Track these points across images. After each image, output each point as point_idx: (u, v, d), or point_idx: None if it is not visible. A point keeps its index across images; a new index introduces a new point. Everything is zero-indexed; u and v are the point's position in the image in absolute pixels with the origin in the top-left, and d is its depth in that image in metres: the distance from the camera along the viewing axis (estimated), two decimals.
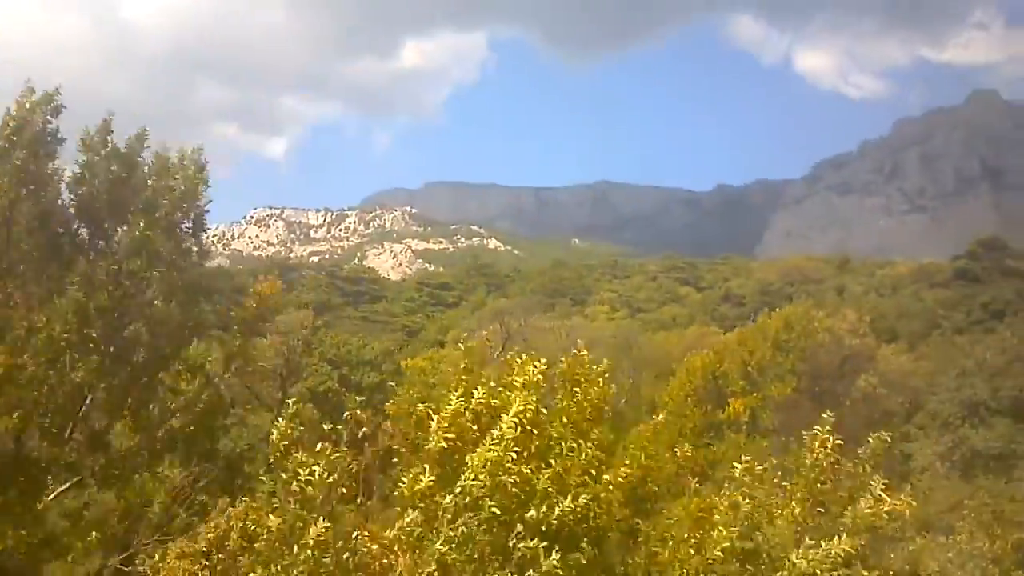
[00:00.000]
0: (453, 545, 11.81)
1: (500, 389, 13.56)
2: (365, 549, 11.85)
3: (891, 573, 14.07)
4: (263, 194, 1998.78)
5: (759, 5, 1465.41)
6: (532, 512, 12.22)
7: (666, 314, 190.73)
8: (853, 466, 13.32)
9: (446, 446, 12.55)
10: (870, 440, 13.63)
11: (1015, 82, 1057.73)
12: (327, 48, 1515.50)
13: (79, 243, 23.30)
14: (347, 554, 11.63)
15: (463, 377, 13.80)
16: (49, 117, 22.69)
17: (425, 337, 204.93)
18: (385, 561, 11.92)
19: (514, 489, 12.16)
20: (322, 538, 11.38)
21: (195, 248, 25.72)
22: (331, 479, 12.22)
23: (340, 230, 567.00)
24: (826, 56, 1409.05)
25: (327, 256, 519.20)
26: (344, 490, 12.82)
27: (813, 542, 11.97)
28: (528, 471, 12.40)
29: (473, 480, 11.91)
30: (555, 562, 11.56)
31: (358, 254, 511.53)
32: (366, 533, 12.09)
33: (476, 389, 13.29)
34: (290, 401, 14.45)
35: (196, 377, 25.50)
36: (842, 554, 11.82)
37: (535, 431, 13.01)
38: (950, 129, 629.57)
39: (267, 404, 69.31)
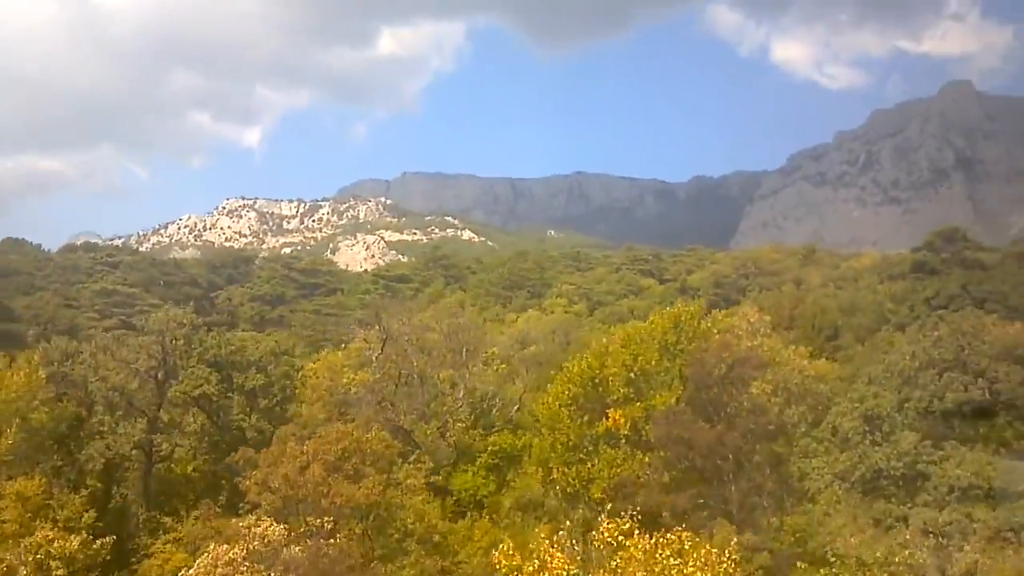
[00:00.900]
0: None
1: None
2: None
3: None
4: (238, 184, 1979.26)
5: None
6: None
7: (624, 307, 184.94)
8: None
9: None
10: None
11: (990, 73, 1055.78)
12: (302, 36, 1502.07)
13: None
14: None
15: None
16: None
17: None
18: None
19: None
20: None
21: None
22: None
23: (313, 221, 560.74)
24: (802, 47, 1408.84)
25: (299, 247, 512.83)
26: None
27: None
28: None
29: None
30: None
31: (330, 245, 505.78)
32: None
33: None
34: None
35: None
36: None
37: None
38: (924, 120, 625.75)
39: (142, 409, 63.51)
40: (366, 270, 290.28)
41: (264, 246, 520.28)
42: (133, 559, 49.74)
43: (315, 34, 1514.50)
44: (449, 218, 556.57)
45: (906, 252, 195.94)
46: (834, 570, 37.30)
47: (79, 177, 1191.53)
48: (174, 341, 64.22)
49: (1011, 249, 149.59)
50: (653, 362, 44.01)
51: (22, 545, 39.16)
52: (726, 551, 22.65)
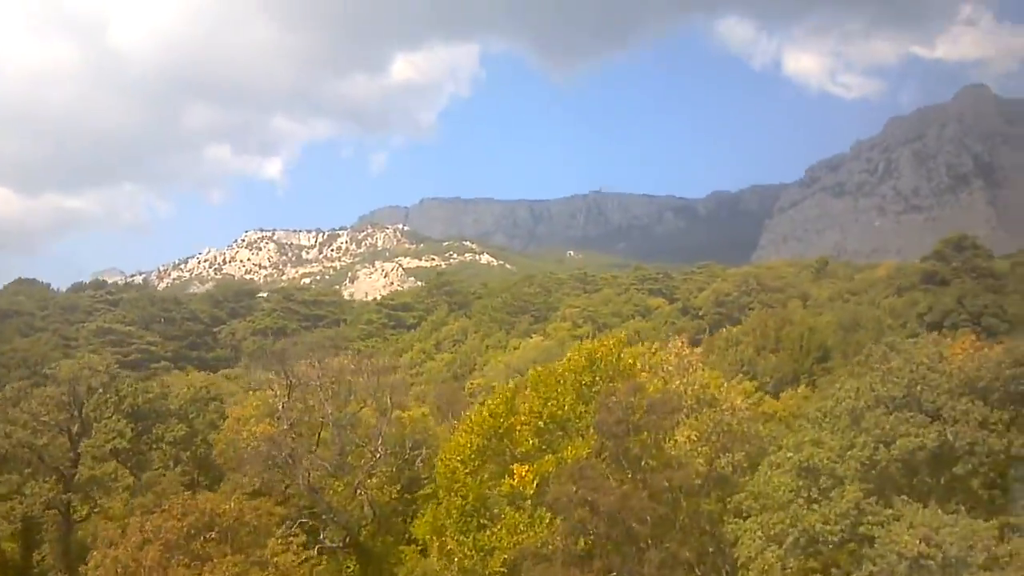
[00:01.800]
0: None
1: None
2: None
3: None
4: (260, 216, 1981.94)
5: (745, 7, 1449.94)
6: None
7: (630, 328, 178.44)
8: None
9: None
10: None
11: (1007, 77, 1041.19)
12: (316, 65, 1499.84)
13: None
14: None
15: None
16: None
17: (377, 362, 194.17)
18: None
19: None
20: None
21: None
22: None
23: (332, 250, 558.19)
24: (815, 57, 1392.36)
25: (318, 277, 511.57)
26: None
27: None
28: None
29: None
30: None
31: (349, 274, 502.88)
32: None
33: None
34: None
35: None
36: None
37: None
38: (941, 126, 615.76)
39: (53, 465, 57.98)
40: (373, 299, 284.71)
41: (284, 277, 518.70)
42: None
43: (329, 62, 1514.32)
44: (467, 243, 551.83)
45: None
46: None
47: (103, 215, 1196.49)
48: (89, 391, 59.18)
49: (1020, 257, 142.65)
50: (566, 407, 38.00)
51: None
52: None
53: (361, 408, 53.17)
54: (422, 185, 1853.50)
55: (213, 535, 33.29)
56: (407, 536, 46.63)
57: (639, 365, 41.43)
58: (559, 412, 38.07)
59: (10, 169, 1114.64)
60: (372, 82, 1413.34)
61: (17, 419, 56.86)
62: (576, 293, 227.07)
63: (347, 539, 46.99)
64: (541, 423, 38.03)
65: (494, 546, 35.51)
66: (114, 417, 57.56)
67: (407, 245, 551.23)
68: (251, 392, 71.60)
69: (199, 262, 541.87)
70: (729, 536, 34.75)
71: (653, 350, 44.42)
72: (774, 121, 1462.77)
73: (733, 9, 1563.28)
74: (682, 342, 45.81)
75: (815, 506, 31.88)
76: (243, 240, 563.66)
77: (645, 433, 34.40)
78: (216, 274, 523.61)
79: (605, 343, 40.56)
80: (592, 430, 36.45)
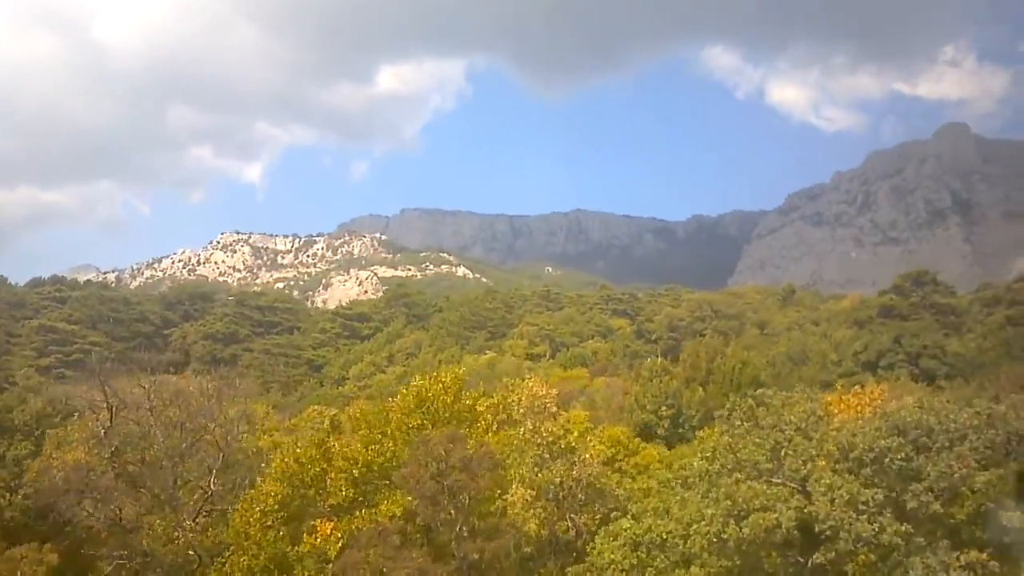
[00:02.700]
0: None
1: None
2: None
3: None
4: (239, 219, 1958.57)
5: (731, 38, 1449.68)
6: None
7: (588, 349, 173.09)
8: None
9: None
10: None
11: (986, 117, 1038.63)
12: (302, 72, 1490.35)
13: None
14: None
15: None
16: None
17: (328, 373, 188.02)
18: None
19: None
20: None
21: None
22: None
23: (308, 256, 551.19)
24: (799, 89, 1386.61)
25: (293, 282, 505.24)
26: None
27: None
28: None
29: None
30: None
31: (323, 280, 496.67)
32: None
33: None
34: None
35: None
36: None
37: None
38: (921, 161, 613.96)
39: None
40: (330, 308, 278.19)
41: (258, 281, 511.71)
42: None
43: (315, 70, 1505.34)
44: (444, 254, 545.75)
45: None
46: None
47: (81, 210, 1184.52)
48: None
49: (979, 294, 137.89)
50: (389, 453, 32.25)
51: None
52: None
53: (200, 437, 46.83)
54: (403, 195, 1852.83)
55: None
56: None
57: (484, 408, 35.62)
58: (380, 459, 32.28)
59: None
60: (357, 91, 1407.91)
61: None
62: (539, 311, 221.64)
63: None
64: (356, 471, 32.21)
65: None
66: None
67: (384, 254, 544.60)
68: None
69: (173, 262, 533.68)
70: None
71: (514, 389, 38.48)
72: (756, 149, 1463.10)
73: (719, 39, 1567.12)
74: (540, 381, 39.90)
75: None
76: (218, 242, 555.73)
77: (464, 494, 28.65)
78: (190, 275, 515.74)
79: (441, 380, 34.67)
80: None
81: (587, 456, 33.39)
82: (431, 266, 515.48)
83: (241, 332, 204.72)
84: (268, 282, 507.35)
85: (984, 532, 26.46)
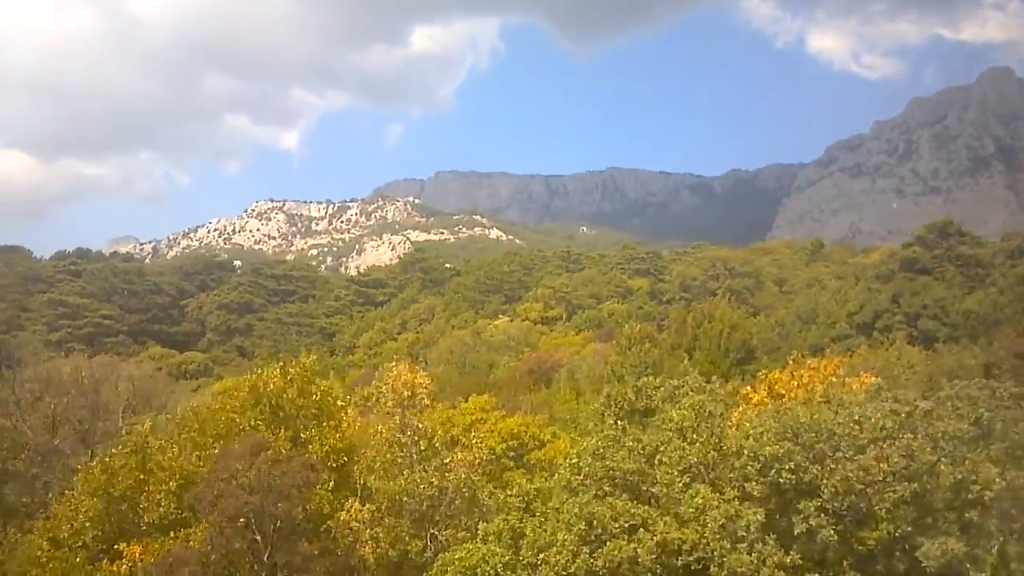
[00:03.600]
0: None
1: None
2: None
3: None
4: (275, 187, 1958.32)
5: None
6: None
7: (605, 311, 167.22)
8: None
9: None
10: None
11: None
12: (335, 36, 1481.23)
13: None
14: None
15: None
16: None
17: (340, 341, 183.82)
18: None
19: None
20: None
21: None
22: None
23: (341, 222, 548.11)
24: (839, 38, 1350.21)
25: (327, 248, 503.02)
26: None
27: None
28: None
29: None
30: None
31: (356, 246, 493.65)
32: None
33: None
34: None
35: None
36: None
37: None
38: (963, 108, 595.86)
39: None
40: (352, 275, 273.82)
41: (292, 248, 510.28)
42: None
43: (348, 33, 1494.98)
44: (477, 217, 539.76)
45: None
46: None
47: (122, 182, 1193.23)
48: None
49: (1003, 244, 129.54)
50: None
51: None
52: None
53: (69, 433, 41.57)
54: (438, 158, 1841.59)
55: None
56: None
57: (345, 399, 29.97)
58: (203, 469, 26.85)
59: (29, 135, 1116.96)
60: (390, 53, 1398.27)
61: None
62: (559, 272, 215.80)
63: None
64: (174, 484, 26.82)
65: None
66: None
67: (417, 218, 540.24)
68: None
69: (208, 231, 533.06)
70: None
71: (381, 378, 32.67)
72: (795, 100, 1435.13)
73: None
74: (406, 366, 33.98)
75: None
76: (253, 210, 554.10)
77: (269, 518, 23.13)
78: (226, 243, 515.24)
79: (286, 371, 29.02)
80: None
81: (459, 456, 27.73)
82: (464, 229, 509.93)
83: (256, 301, 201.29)
84: (303, 249, 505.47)
85: (902, 563, 20.54)
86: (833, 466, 20.34)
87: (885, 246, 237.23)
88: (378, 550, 25.29)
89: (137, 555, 25.15)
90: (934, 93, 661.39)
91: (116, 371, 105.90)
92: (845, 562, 20.53)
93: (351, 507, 25.81)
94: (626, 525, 20.77)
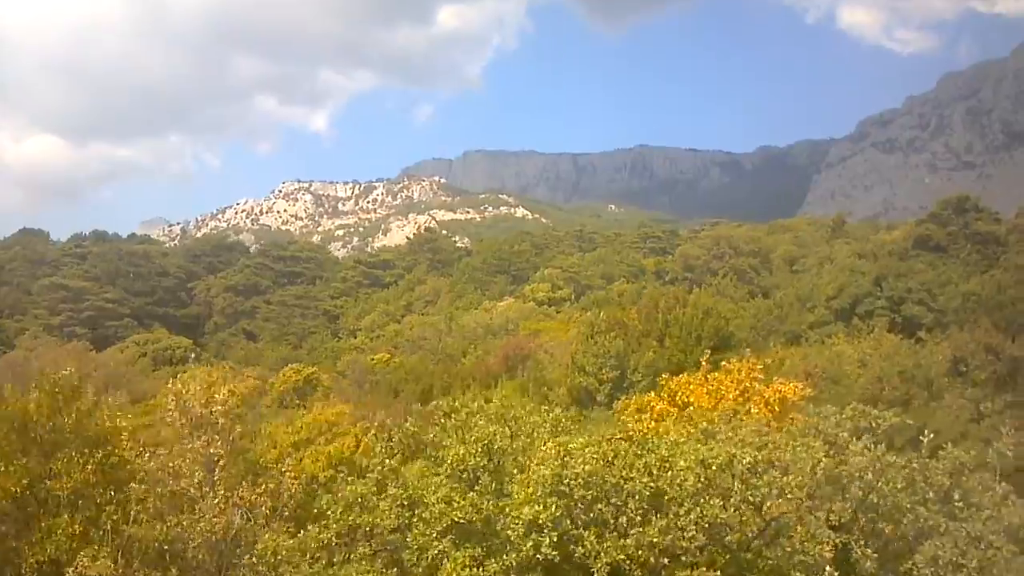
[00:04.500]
0: None
1: None
2: None
3: None
4: (304, 168, 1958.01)
5: None
6: None
7: (614, 292, 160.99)
8: None
9: None
10: None
11: None
12: (362, 16, 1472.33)
13: None
14: None
15: None
16: None
17: (343, 324, 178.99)
18: None
19: None
20: None
21: None
22: None
23: (368, 202, 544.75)
24: (871, 11, 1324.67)
25: (353, 228, 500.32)
26: None
27: None
28: None
29: None
30: None
31: (382, 226, 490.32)
32: None
33: None
34: None
35: None
36: None
37: None
38: (998, 82, 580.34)
39: None
40: (354, 257, 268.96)
41: (319, 228, 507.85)
42: None
43: (375, 13, 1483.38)
44: (503, 196, 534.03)
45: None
46: None
47: (153, 165, 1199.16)
48: None
49: (1018, 221, 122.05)
50: None
51: None
52: None
53: None
54: (467, 137, 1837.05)
55: None
56: None
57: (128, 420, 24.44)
58: None
59: (60, 119, 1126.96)
60: (417, 32, 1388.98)
61: None
62: (571, 252, 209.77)
63: None
64: None
65: None
66: None
67: (443, 198, 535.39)
68: None
69: (236, 212, 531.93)
70: None
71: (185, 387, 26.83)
72: (826, 75, 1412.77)
73: None
74: (212, 371, 28.16)
75: None
76: (280, 191, 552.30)
77: None
78: (253, 224, 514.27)
79: (43, 385, 23.40)
80: None
81: (245, 493, 22.13)
82: (490, 208, 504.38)
83: (263, 283, 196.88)
84: (329, 229, 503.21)
85: None
86: (608, 539, 14.60)
87: (909, 223, 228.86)
88: None
89: None
90: (967, 67, 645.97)
91: (89, 361, 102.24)
92: None
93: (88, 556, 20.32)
94: None
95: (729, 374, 30.86)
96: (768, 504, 15.06)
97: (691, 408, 29.56)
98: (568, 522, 15.10)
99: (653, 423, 29.20)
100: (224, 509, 22.01)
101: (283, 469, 24.44)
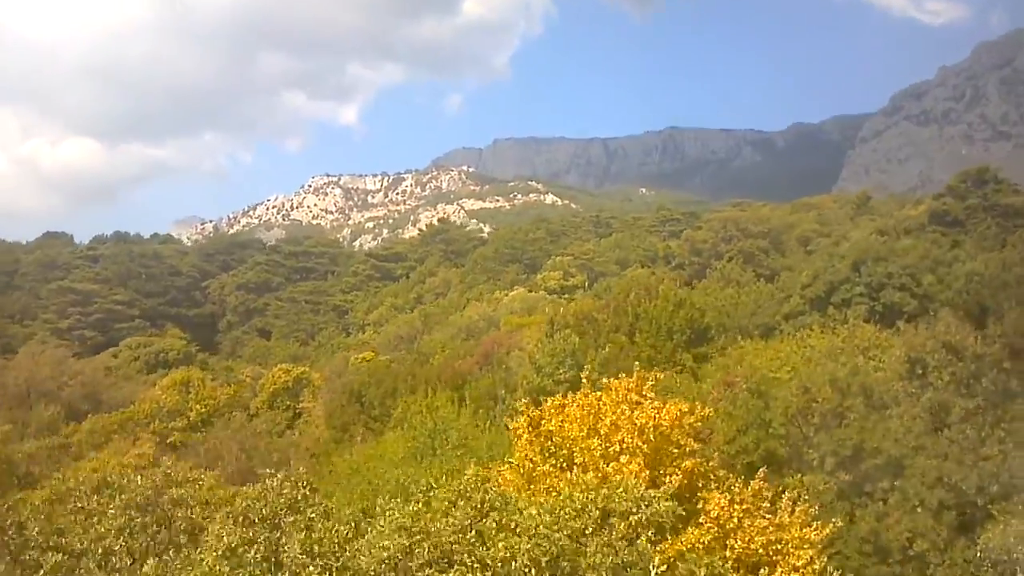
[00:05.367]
0: None
1: None
2: None
3: None
4: (337, 163, 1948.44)
5: None
6: None
7: (628, 278, 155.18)
8: None
9: None
10: None
11: None
12: (386, 8, 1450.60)
13: None
14: None
15: None
16: None
17: (352, 318, 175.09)
18: None
19: None
20: None
21: None
22: None
23: (397, 194, 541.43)
24: None
25: (382, 221, 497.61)
26: None
27: None
28: None
29: None
30: None
31: (411, 217, 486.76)
32: None
33: None
34: None
35: None
36: None
37: None
38: None
39: None
40: (367, 250, 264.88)
41: (350, 221, 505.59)
42: None
43: (399, 5, 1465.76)
44: (532, 183, 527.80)
45: None
46: None
47: (187, 164, 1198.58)
48: None
49: None
50: None
51: None
52: None
53: None
54: (496, 126, 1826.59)
55: None
56: None
57: None
58: None
59: (94, 121, 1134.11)
60: (442, 23, 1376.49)
61: None
62: (588, 237, 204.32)
63: None
64: None
65: None
66: None
67: (472, 187, 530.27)
68: None
69: (267, 208, 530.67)
70: None
71: None
72: (857, 49, 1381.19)
73: None
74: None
75: None
76: (310, 186, 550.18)
77: None
78: (284, 220, 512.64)
79: None
80: None
81: None
82: (519, 195, 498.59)
83: (274, 280, 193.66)
84: (359, 222, 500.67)
85: None
86: None
87: (931, 197, 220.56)
88: None
89: None
90: (1001, 35, 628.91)
91: (65, 369, 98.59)
92: None
93: None
94: None
95: (610, 393, 25.58)
96: None
97: (553, 439, 24.43)
98: None
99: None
100: None
101: None
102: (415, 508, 16.45)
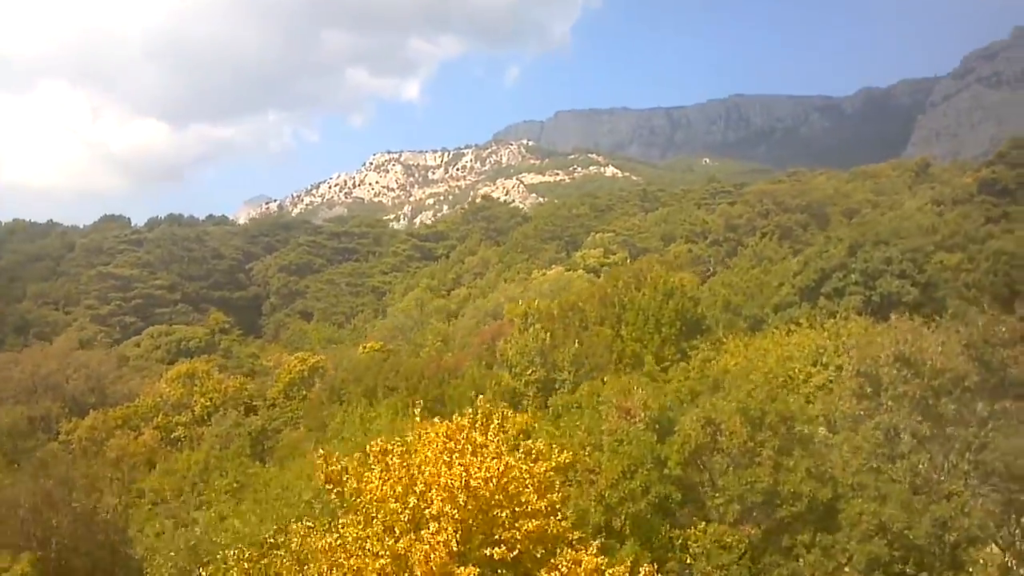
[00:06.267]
0: None
1: None
2: None
3: None
4: (400, 139, 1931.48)
5: None
6: None
7: (670, 254, 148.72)
8: None
9: None
10: None
11: None
12: None
13: None
14: None
15: None
16: None
17: (389, 300, 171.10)
18: None
19: None
20: None
21: None
22: None
23: (457, 169, 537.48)
24: None
25: (443, 197, 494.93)
26: None
27: None
28: None
29: None
30: None
31: (472, 192, 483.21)
32: None
33: None
34: None
35: None
36: None
37: None
38: None
39: None
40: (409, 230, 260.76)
41: (411, 198, 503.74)
42: None
43: None
44: (593, 155, 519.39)
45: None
46: None
47: (252, 143, 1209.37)
48: None
49: None
50: None
51: None
52: None
53: None
54: (557, 98, 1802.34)
55: None
56: None
57: None
58: None
59: (160, 103, 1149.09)
60: None
61: None
62: (633, 212, 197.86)
63: None
64: None
65: None
66: None
67: (532, 161, 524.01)
68: None
69: (330, 187, 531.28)
70: None
71: None
72: (927, 9, 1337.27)
73: None
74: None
75: None
76: (371, 163, 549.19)
77: None
78: (346, 198, 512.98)
79: None
80: None
81: None
82: (579, 168, 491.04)
83: (316, 262, 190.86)
84: (420, 199, 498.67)
85: None
86: None
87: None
88: None
89: None
90: None
91: (70, 363, 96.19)
92: None
93: None
94: None
95: (429, 441, 20.67)
96: None
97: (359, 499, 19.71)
98: None
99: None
100: None
101: None
102: None
